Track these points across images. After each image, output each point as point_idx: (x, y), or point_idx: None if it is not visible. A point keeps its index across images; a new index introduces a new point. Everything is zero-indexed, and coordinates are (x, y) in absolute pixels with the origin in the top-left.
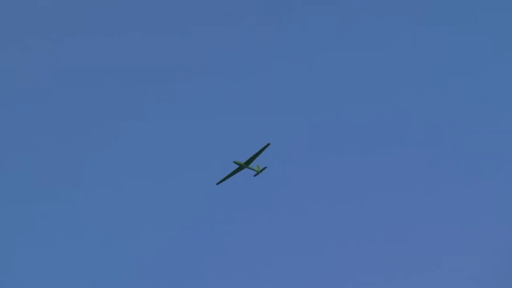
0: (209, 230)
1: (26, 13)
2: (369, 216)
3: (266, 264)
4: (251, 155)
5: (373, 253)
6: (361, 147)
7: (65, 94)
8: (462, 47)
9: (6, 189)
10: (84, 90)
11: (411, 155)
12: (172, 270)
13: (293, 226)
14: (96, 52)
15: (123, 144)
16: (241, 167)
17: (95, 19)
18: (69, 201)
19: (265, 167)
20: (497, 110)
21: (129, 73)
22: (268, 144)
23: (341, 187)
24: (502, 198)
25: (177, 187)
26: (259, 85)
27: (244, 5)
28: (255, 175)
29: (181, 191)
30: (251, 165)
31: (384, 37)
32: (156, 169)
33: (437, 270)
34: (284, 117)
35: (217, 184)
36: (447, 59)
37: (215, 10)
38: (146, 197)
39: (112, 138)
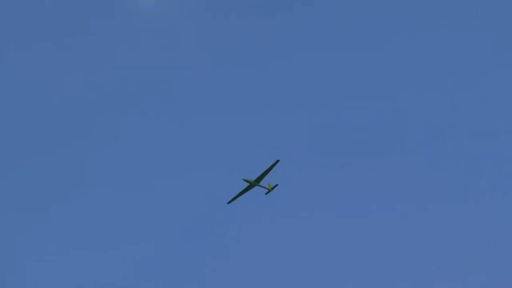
0: (220, 246)
1: (27, 13)
2: (387, 228)
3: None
4: (260, 172)
5: (385, 265)
6: (369, 151)
7: (65, 95)
8: (463, 48)
9: (5, 190)
10: (83, 91)
11: (413, 157)
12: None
13: (307, 242)
14: (95, 51)
15: (125, 147)
16: (251, 185)
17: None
18: (69, 204)
19: (276, 185)
20: (499, 111)
21: (129, 75)
22: (278, 161)
23: (357, 197)
24: (503, 199)
25: (185, 200)
26: (262, 85)
27: (245, 5)
28: (267, 193)
29: (191, 206)
30: (261, 183)
31: (385, 38)
32: (160, 182)
33: (439, 271)
34: (288, 124)
35: (228, 203)
36: (448, 61)
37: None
38: (153, 206)
39: (114, 141)
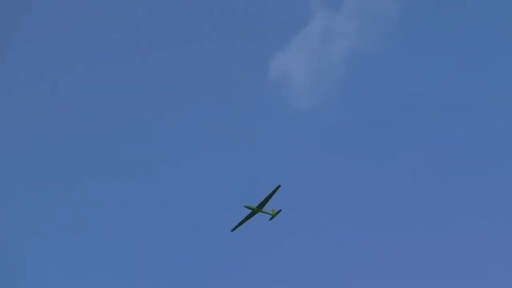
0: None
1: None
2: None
3: None
4: (262, 199)
5: None
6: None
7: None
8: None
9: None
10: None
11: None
12: None
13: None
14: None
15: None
16: (254, 211)
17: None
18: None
19: (280, 210)
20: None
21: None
22: (279, 186)
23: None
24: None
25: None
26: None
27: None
28: (271, 218)
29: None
30: (264, 209)
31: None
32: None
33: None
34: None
35: (232, 230)
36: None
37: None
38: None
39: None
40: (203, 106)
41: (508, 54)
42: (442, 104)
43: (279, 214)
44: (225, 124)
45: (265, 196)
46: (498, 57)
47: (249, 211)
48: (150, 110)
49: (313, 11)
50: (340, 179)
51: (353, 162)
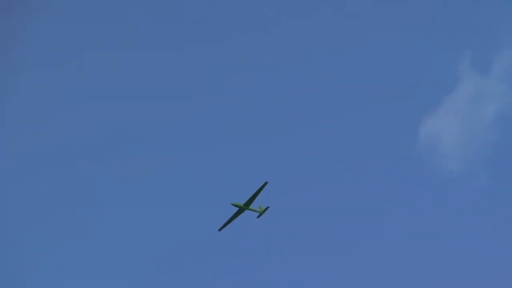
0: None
1: None
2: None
3: None
4: (249, 196)
5: None
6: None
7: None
8: None
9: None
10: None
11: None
12: None
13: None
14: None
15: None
16: (241, 209)
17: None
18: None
19: (268, 207)
20: None
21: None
22: (266, 183)
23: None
24: None
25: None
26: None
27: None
28: (258, 216)
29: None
30: (251, 206)
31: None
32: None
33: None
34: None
35: (219, 230)
36: None
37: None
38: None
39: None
40: (352, 167)
41: None
42: None
43: (266, 211)
44: (375, 186)
45: (253, 194)
46: None
47: (236, 209)
48: None
49: (462, 75)
50: (495, 245)
51: (506, 226)
